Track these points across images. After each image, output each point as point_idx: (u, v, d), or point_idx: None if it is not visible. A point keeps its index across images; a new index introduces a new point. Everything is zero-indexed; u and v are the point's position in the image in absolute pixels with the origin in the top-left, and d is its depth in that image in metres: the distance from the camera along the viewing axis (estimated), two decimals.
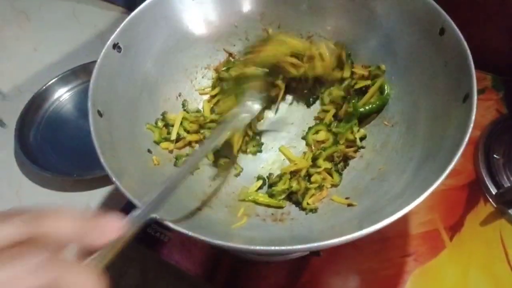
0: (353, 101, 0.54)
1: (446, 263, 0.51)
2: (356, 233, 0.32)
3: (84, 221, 0.25)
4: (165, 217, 0.37)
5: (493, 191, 0.54)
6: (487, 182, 0.55)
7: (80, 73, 0.74)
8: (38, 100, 0.72)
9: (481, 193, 0.55)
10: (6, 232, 0.22)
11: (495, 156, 0.57)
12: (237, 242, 0.33)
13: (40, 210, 0.24)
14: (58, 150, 0.68)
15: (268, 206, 0.49)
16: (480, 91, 0.64)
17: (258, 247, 0.32)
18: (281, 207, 0.49)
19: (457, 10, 0.46)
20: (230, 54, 0.62)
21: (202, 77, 0.61)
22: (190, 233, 0.33)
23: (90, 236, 0.25)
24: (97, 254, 0.25)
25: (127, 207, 0.36)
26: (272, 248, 0.31)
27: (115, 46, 0.48)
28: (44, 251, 0.22)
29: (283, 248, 0.31)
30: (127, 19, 0.50)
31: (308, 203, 0.48)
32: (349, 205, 0.45)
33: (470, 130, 0.37)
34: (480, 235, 0.52)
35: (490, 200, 0.54)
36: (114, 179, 0.36)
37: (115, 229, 0.26)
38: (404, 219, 0.54)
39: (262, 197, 0.50)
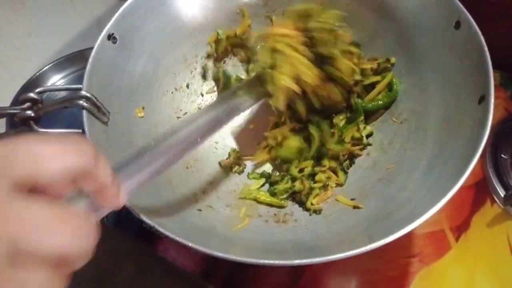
0: (356, 101, 0.51)
1: (452, 264, 0.49)
2: (364, 248, 0.31)
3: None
4: (164, 222, 0.36)
5: (500, 191, 0.53)
6: (494, 182, 0.53)
7: (76, 59, 0.71)
8: (31, 86, 0.69)
9: (488, 194, 0.53)
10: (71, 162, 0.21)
11: (502, 155, 0.55)
12: (239, 253, 0.31)
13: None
14: None
15: (270, 205, 0.48)
16: None
17: (261, 261, 0.30)
18: (282, 207, 0.48)
19: (468, 5, 0.43)
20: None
21: (202, 67, 0.59)
22: (191, 244, 0.31)
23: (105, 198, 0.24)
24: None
25: None
26: (276, 262, 0.30)
27: (110, 37, 0.45)
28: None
29: (287, 262, 0.30)
30: (122, 8, 0.47)
31: (312, 203, 0.46)
32: (355, 207, 0.44)
33: (486, 136, 0.35)
34: (486, 237, 0.51)
35: (497, 201, 0.53)
36: None
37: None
38: None
39: (264, 195, 0.48)
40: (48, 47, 0.78)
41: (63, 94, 0.70)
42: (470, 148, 0.36)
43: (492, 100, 0.37)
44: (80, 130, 0.38)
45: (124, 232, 0.55)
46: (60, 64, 0.72)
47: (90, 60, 0.42)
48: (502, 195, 0.52)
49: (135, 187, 0.29)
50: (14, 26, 0.83)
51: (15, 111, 0.35)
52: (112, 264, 0.59)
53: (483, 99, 0.38)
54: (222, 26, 0.58)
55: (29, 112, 0.36)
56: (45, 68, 0.71)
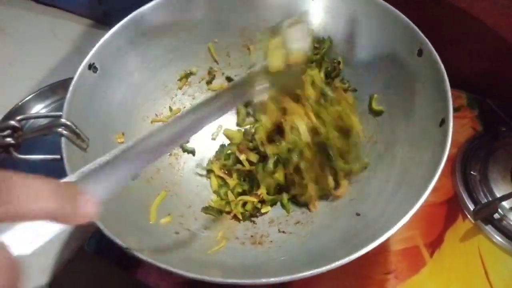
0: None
1: (427, 279, 0.51)
2: (335, 263, 0.32)
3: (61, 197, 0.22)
4: (141, 247, 0.36)
5: (471, 207, 0.55)
6: (465, 199, 0.56)
7: (58, 89, 0.72)
8: (14, 116, 0.70)
9: (459, 210, 0.56)
10: None
11: (472, 172, 0.57)
12: (213, 274, 0.32)
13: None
14: (34, 171, 0.65)
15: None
16: (455, 109, 0.64)
17: (232, 280, 0.31)
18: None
19: (435, 31, 0.47)
20: (212, 69, 0.62)
21: (183, 94, 0.61)
22: (163, 266, 0.32)
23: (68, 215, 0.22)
24: None
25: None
26: (246, 281, 0.31)
27: (91, 66, 0.47)
28: None
29: (256, 281, 0.31)
30: (103, 39, 0.49)
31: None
32: (328, 227, 0.45)
33: (446, 155, 0.37)
34: (459, 251, 0.53)
35: (468, 216, 0.55)
36: None
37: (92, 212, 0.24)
38: None
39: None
40: (30, 77, 0.79)
41: (44, 121, 0.71)
42: (433, 167, 0.38)
43: (451, 123, 0.39)
44: (59, 156, 0.39)
45: (105, 258, 0.55)
46: (43, 93, 0.73)
47: (70, 88, 0.44)
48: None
49: (108, 190, 0.27)
50: None
51: None
52: None
53: (443, 122, 0.40)
54: (201, 55, 0.60)
55: (9, 139, 0.37)
56: (27, 98, 0.72)
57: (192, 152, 0.57)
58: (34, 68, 0.80)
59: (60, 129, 0.39)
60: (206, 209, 0.50)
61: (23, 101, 0.72)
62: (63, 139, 0.40)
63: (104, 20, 0.85)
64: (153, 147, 0.31)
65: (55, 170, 0.40)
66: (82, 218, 0.23)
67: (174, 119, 0.34)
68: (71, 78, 0.46)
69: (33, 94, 0.72)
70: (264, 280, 0.31)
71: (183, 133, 0.34)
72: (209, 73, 0.61)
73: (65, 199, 0.22)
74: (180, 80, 0.59)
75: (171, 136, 0.33)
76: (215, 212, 0.50)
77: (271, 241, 0.46)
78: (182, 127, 0.33)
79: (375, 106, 0.52)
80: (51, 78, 0.75)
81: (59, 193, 0.22)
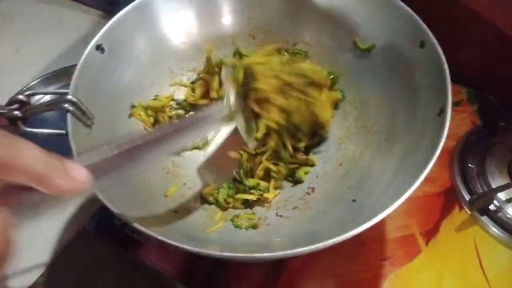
0: None
1: (421, 267, 0.52)
2: (329, 241, 0.33)
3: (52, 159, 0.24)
4: (138, 220, 0.37)
5: (467, 198, 0.55)
6: (462, 190, 0.56)
7: (62, 76, 0.73)
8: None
9: (456, 200, 0.56)
10: None
11: (469, 165, 0.58)
12: (210, 248, 0.33)
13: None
14: (39, 145, 0.67)
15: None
16: (455, 104, 0.66)
17: (228, 254, 0.32)
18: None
19: (437, 26, 0.47)
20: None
21: (188, 79, 0.61)
22: (161, 237, 0.33)
23: (57, 177, 0.23)
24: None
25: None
26: (241, 255, 0.32)
27: (99, 47, 0.48)
28: None
29: (250, 255, 0.32)
30: (111, 21, 0.50)
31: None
32: (325, 212, 0.46)
33: (442, 143, 0.37)
34: (455, 241, 0.53)
35: (465, 207, 0.56)
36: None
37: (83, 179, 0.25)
38: (381, 224, 0.55)
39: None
40: (36, 64, 0.80)
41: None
42: (429, 154, 0.38)
43: (450, 111, 0.40)
44: (64, 132, 0.40)
45: (106, 239, 0.56)
46: (47, 79, 0.74)
47: (78, 67, 0.45)
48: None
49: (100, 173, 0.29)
50: (2, 43, 0.85)
51: (4, 111, 0.38)
52: (91, 272, 0.59)
53: (442, 112, 0.41)
54: (207, 41, 0.61)
55: (17, 112, 0.38)
56: (32, 83, 0.73)
57: None
58: (40, 56, 0.82)
59: (66, 105, 0.40)
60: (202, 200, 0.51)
61: (27, 86, 0.73)
62: (69, 115, 0.41)
63: (111, 10, 0.86)
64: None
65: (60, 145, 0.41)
66: (70, 184, 0.24)
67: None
68: (74, 66, 0.47)
69: (38, 80, 0.73)
70: (258, 255, 0.32)
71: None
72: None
73: (53, 164, 0.24)
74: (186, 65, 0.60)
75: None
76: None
77: (268, 224, 0.47)
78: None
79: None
80: (56, 66, 0.76)
81: (49, 158, 0.24)
